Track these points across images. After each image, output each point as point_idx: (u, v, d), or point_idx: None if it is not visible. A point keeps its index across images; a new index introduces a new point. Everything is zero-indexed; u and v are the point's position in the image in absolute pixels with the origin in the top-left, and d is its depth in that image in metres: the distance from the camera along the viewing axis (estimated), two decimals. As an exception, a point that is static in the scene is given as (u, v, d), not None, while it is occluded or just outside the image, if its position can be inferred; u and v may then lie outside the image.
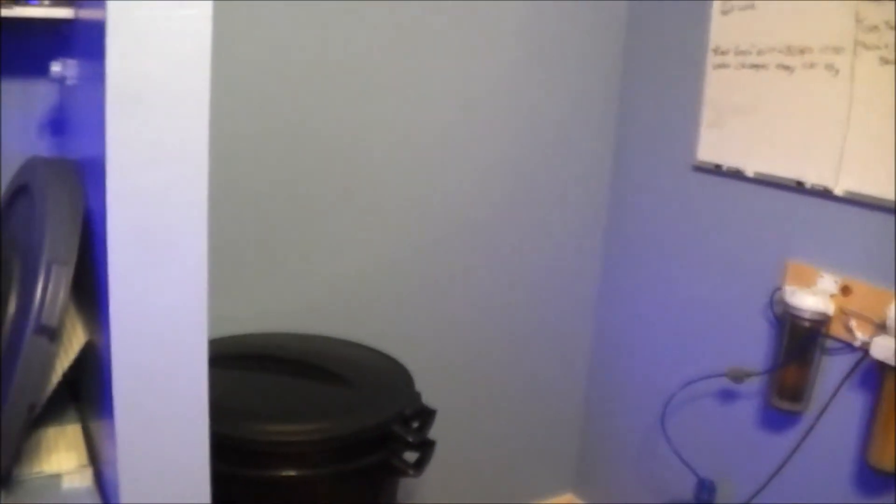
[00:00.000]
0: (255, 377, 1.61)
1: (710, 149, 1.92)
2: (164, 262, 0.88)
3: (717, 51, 1.88)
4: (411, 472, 1.48)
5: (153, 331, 0.89)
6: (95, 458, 1.11)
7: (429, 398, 1.62)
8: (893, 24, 1.51)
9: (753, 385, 1.85)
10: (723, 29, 1.86)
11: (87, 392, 1.18)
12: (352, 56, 1.79)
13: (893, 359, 1.49)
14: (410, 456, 1.51)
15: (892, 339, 1.50)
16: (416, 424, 1.53)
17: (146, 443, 0.92)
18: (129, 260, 0.86)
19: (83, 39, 1.02)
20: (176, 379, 0.92)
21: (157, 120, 0.84)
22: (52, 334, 0.92)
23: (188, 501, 0.97)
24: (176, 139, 0.85)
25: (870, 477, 1.62)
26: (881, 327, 1.54)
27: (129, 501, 0.93)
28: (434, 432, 1.58)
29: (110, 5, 0.78)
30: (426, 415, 1.56)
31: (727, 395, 1.93)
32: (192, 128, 0.86)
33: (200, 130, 0.87)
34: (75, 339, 1.05)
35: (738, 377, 1.85)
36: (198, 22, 0.83)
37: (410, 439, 1.48)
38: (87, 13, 0.99)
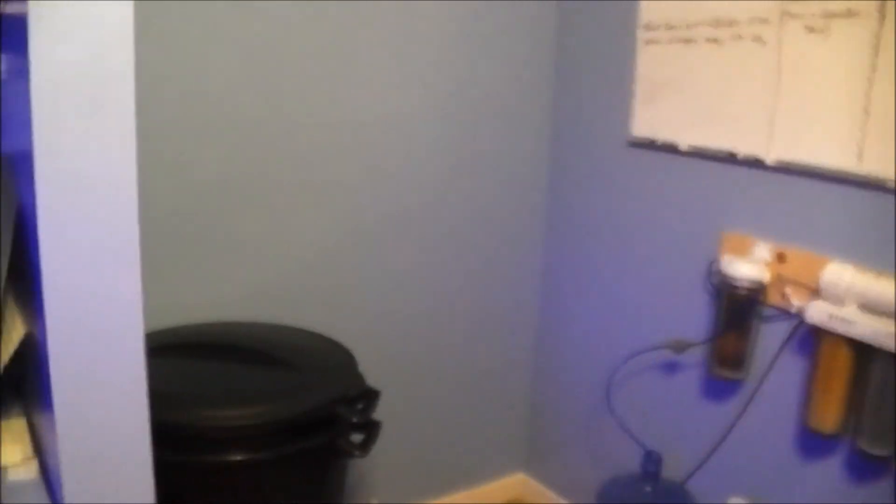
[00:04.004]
0: (199, 365, 1.59)
1: (644, 124, 1.94)
2: (97, 249, 0.87)
3: (647, 27, 1.89)
4: (357, 453, 1.48)
5: (88, 320, 0.88)
6: (40, 450, 1.10)
7: (375, 381, 1.62)
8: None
9: (695, 355, 1.87)
10: (652, 4, 1.88)
11: (29, 385, 1.16)
12: (285, 46, 1.78)
13: (828, 323, 1.52)
14: (357, 437, 1.51)
15: (827, 304, 1.53)
16: (360, 406, 1.53)
17: (86, 432, 0.91)
18: (61, 250, 0.84)
19: (10, 33, 1.01)
20: (113, 366, 0.91)
21: (82, 108, 0.82)
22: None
23: (132, 489, 0.96)
24: (102, 125, 0.84)
25: (811, 439, 1.65)
26: (815, 292, 1.56)
27: (72, 492, 0.91)
28: (381, 414, 1.58)
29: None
30: (370, 396, 1.57)
31: (670, 367, 1.95)
32: (118, 113, 0.85)
33: (127, 115, 0.85)
34: (14, 332, 1.03)
35: (679, 348, 1.87)
36: (121, 8, 0.82)
37: (355, 420, 1.48)
38: (12, 7, 0.98)
